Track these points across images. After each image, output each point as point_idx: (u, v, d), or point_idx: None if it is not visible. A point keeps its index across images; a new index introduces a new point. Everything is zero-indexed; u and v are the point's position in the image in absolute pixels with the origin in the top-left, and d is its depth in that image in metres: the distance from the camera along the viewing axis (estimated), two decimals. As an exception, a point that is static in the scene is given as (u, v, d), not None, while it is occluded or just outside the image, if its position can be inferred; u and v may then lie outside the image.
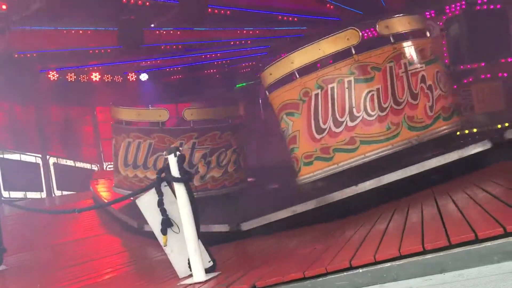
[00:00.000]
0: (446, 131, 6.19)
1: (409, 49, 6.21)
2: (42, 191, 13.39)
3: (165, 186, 4.07)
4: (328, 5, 11.42)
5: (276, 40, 13.34)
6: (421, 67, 6.21)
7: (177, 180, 3.90)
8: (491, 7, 9.89)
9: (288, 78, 6.24)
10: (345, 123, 5.85)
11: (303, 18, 12.08)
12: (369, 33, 9.94)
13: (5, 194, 12.02)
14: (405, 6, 10.48)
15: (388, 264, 2.90)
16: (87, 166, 14.95)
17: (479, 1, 9.90)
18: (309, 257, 3.66)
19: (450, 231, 3.10)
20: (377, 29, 6.19)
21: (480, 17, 9.86)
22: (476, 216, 3.39)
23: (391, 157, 5.83)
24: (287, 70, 6.18)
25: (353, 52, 6.00)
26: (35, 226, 8.97)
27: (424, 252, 2.87)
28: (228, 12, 10.86)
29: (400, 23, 6.40)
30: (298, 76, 5.98)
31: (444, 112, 6.25)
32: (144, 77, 14.25)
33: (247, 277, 3.50)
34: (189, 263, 3.93)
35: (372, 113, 5.83)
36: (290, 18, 11.85)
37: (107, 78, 13.81)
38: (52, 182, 13.57)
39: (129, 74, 14.16)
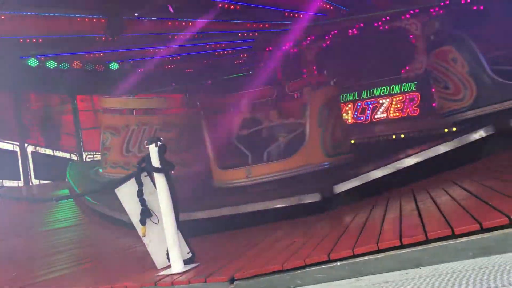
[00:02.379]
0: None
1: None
2: (20, 179, 13.16)
3: (145, 176, 4.04)
4: (314, 0, 11.39)
5: (260, 34, 13.30)
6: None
7: (157, 170, 3.87)
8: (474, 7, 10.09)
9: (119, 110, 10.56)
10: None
11: (289, 13, 12.05)
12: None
13: (-18, 182, 11.81)
14: (391, 3, 10.54)
15: (366, 258, 2.93)
16: (66, 155, 14.73)
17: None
18: (288, 249, 3.67)
19: (428, 226, 3.14)
20: None
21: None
22: (453, 212, 3.44)
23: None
24: (114, 106, 10.60)
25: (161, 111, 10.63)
26: (11, 214, 8.82)
27: (402, 246, 2.90)
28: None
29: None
30: (132, 113, 10.33)
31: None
32: (126, 66, 14.04)
33: (226, 269, 3.50)
34: (167, 254, 3.91)
35: None
36: (276, 13, 11.80)
37: (89, 66, 13.54)
38: (30, 170, 13.34)
39: (111, 63, 13.92)
